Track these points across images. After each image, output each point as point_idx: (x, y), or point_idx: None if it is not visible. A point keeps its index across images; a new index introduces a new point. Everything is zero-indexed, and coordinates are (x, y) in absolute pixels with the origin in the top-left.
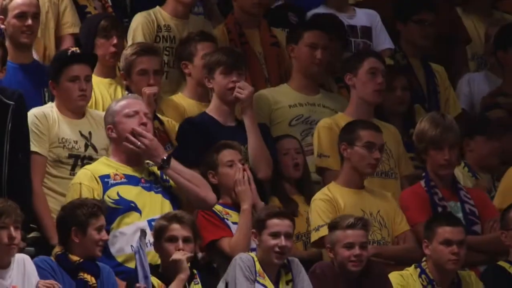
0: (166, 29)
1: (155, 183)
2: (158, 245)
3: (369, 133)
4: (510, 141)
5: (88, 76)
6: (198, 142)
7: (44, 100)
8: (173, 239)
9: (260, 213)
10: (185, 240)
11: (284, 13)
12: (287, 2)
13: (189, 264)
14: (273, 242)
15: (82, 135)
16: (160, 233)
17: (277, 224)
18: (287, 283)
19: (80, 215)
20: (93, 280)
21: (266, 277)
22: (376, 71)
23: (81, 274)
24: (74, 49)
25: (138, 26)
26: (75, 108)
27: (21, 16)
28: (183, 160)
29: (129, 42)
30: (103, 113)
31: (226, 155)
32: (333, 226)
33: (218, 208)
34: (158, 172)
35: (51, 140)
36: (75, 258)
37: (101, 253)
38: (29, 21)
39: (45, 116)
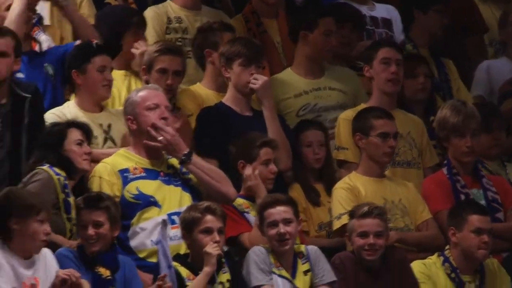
0: (177, 21)
1: (174, 176)
2: (189, 236)
3: (382, 122)
4: None
5: (112, 69)
6: (215, 131)
7: (49, 74)
8: (209, 231)
9: (257, 205)
10: (219, 231)
11: None
12: None
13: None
14: (272, 231)
15: (101, 128)
16: (193, 225)
17: (272, 213)
18: (305, 273)
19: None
20: (108, 273)
21: (283, 268)
22: (389, 60)
23: (97, 267)
24: (96, 41)
25: (148, 20)
26: (99, 99)
27: None
28: (200, 149)
29: None
30: (121, 108)
31: (267, 153)
32: (350, 215)
33: (239, 201)
34: (177, 164)
35: None
36: (89, 251)
37: (93, 248)
38: None
39: (62, 112)
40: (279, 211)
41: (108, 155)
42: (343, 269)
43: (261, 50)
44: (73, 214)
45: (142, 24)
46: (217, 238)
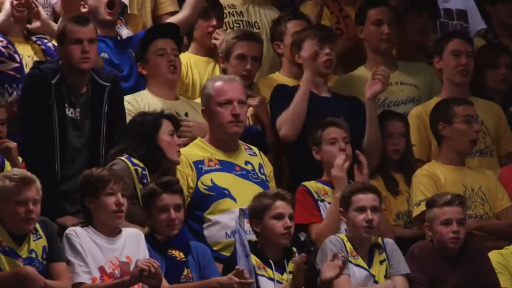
0: (230, 7)
1: (253, 174)
2: (259, 224)
3: (464, 107)
4: None
5: (175, 50)
6: None
7: (133, 60)
8: (280, 217)
9: (344, 190)
10: (290, 217)
11: None
12: None
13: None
14: (359, 217)
15: (178, 114)
16: (263, 211)
17: (361, 199)
18: (380, 263)
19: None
20: (182, 255)
21: (359, 257)
22: (459, 52)
23: (170, 251)
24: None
25: None
26: (167, 83)
27: None
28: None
29: None
30: (196, 100)
31: (330, 132)
32: (430, 204)
33: (317, 186)
34: (257, 164)
35: None
36: (160, 236)
37: (173, 232)
38: None
39: (135, 100)
40: (369, 198)
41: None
42: (422, 258)
43: (332, 32)
44: None
45: (211, 7)
46: (289, 223)
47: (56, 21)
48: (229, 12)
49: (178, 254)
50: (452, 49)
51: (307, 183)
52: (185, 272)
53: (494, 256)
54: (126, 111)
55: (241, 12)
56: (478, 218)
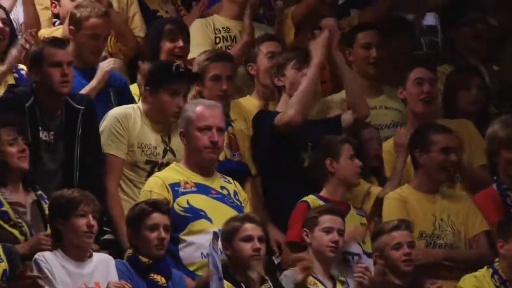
0: (225, 31)
1: (228, 197)
2: (230, 246)
3: (443, 136)
4: None
5: (187, 94)
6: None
7: (111, 100)
8: (249, 239)
9: (310, 212)
10: (260, 239)
11: (348, 10)
12: None
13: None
14: (326, 237)
15: (162, 140)
16: (232, 234)
17: (328, 219)
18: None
19: (130, 216)
20: (163, 280)
21: (318, 284)
22: (422, 81)
23: (152, 275)
24: (179, 62)
25: (196, 30)
26: (165, 122)
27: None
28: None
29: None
30: None
31: (349, 149)
32: (377, 233)
33: (319, 203)
34: (232, 190)
35: (130, 143)
36: (144, 259)
37: (160, 252)
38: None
39: (126, 117)
40: (336, 220)
41: None
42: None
43: (309, 54)
44: (14, 218)
45: (177, 30)
46: (258, 245)
47: None
48: (223, 37)
49: (160, 279)
50: (415, 78)
51: (309, 199)
52: None
53: (469, 279)
54: (113, 127)
55: (234, 37)
56: (448, 246)
